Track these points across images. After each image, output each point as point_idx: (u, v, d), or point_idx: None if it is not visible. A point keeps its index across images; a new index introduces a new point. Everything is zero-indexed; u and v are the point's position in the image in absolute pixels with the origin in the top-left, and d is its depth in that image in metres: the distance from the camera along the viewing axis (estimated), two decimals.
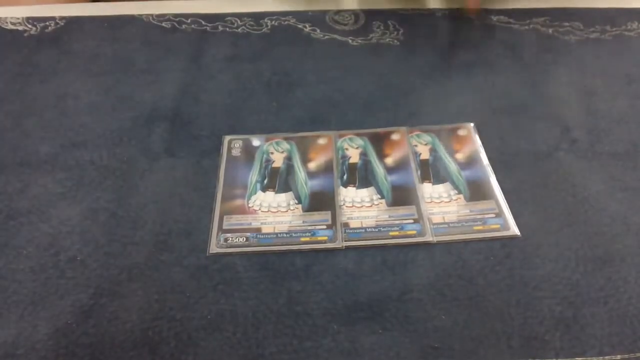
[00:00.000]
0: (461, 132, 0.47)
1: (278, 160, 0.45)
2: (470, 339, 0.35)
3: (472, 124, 0.48)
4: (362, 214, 0.41)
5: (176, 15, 0.57)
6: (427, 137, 0.47)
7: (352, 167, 0.44)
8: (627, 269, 0.39)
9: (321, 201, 0.42)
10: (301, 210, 0.42)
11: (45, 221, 0.41)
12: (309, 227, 0.41)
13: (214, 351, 0.35)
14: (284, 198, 0.43)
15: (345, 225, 0.41)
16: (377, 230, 0.41)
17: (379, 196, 0.43)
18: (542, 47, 0.55)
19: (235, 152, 0.46)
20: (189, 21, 0.57)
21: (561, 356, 0.35)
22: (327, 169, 0.45)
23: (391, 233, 0.40)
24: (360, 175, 0.44)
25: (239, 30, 0.57)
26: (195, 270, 0.39)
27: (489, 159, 0.45)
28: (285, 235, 0.41)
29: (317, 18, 0.58)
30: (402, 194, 0.43)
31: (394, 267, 0.39)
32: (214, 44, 0.55)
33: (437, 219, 0.41)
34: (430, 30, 0.57)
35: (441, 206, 0.42)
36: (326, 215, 0.41)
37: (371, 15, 0.59)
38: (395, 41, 0.56)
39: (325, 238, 0.40)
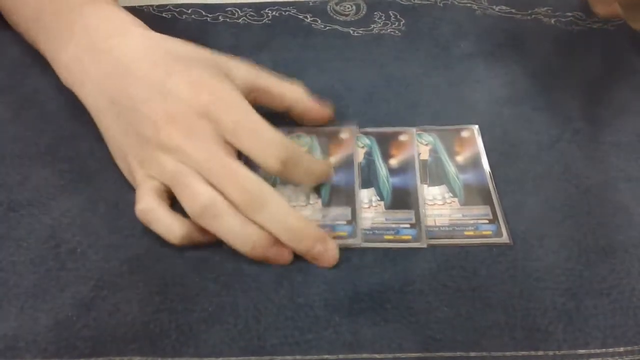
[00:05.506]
0: (464, 134, 0.46)
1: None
2: (473, 330, 0.35)
3: (476, 127, 0.47)
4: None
5: (176, 6, 0.57)
6: (428, 137, 0.46)
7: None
8: (630, 260, 0.39)
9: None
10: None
11: (46, 213, 0.41)
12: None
13: (214, 344, 0.35)
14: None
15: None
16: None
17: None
18: (544, 37, 0.55)
19: None
20: (189, 11, 0.57)
21: (564, 348, 0.35)
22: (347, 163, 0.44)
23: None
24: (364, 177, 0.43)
25: (240, 21, 0.56)
26: (196, 262, 0.39)
27: (491, 150, 0.45)
28: None
29: (318, 8, 0.58)
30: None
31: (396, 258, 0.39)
32: (215, 35, 0.54)
33: (428, 221, 0.41)
34: (432, 21, 0.57)
35: (434, 209, 0.42)
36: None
37: (372, 5, 0.58)
38: (397, 32, 0.56)
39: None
